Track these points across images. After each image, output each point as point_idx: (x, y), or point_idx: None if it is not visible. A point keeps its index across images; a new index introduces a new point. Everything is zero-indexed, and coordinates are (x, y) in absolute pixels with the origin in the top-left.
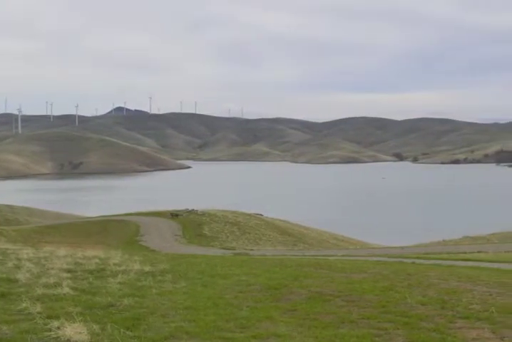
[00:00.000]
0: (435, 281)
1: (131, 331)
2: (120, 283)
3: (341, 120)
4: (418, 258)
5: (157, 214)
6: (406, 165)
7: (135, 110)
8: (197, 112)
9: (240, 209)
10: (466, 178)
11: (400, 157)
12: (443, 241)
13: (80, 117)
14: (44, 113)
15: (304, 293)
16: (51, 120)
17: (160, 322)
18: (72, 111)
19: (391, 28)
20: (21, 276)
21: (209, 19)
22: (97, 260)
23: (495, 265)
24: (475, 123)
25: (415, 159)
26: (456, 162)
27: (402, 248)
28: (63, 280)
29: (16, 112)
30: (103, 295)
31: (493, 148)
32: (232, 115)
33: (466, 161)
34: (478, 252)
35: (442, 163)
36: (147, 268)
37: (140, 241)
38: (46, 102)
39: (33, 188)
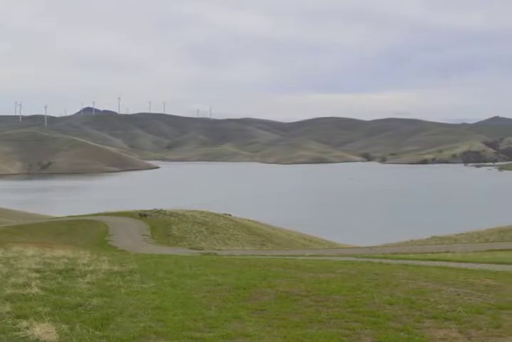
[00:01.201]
0: (403, 281)
1: (100, 331)
2: (88, 283)
3: (309, 120)
4: (385, 258)
5: (125, 214)
6: (374, 165)
7: (104, 111)
8: (166, 113)
9: (209, 209)
10: (434, 178)
11: (368, 158)
12: (411, 241)
13: (49, 117)
14: (13, 114)
15: (272, 293)
16: (20, 120)
17: (128, 322)
18: (41, 111)
19: (359, 28)
20: None
21: (178, 19)
22: (66, 260)
23: (463, 265)
24: (443, 123)
25: (383, 160)
26: (424, 162)
27: (370, 248)
28: (32, 280)
29: None
30: (72, 295)
31: (461, 148)
32: (200, 116)
33: (433, 161)
34: (446, 252)
35: (410, 163)
36: (115, 268)
37: (108, 241)
38: (15, 103)
39: (1, 188)
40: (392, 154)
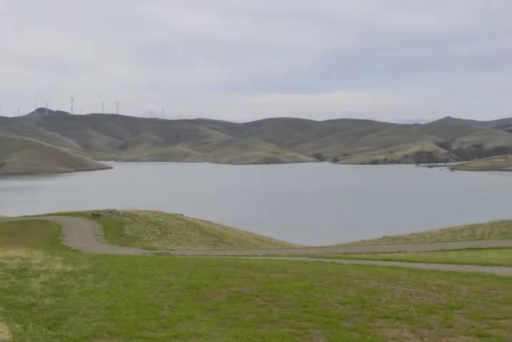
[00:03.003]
0: (355, 280)
1: (53, 331)
2: (42, 282)
3: (261, 120)
4: (338, 258)
5: (78, 214)
6: (326, 166)
7: (57, 111)
8: (119, 113)
9: (161, 210)
10: (385, 178)
11: (320, 158)
12: (363, 241)
13: (1, 117)
14: None
15: (224, 293)
16: None
17: (81, 321)
18: None
19: (312, 29)
20: None
21: (131, 20)
22: (19, 260)
23: (415, 265)
24: (396, 124)
25: (335, 160)
26: (376, 162)
27: (322, 248)
28: None
29: None
30: (25, 294)
31: (413, 149)
32: (153, 116)
33: (385, 161)
34: (398, 252)
35: (362, 164)
36: (69, 268)
37: (62, 241)
38: None
39: None
40: (344, 155)
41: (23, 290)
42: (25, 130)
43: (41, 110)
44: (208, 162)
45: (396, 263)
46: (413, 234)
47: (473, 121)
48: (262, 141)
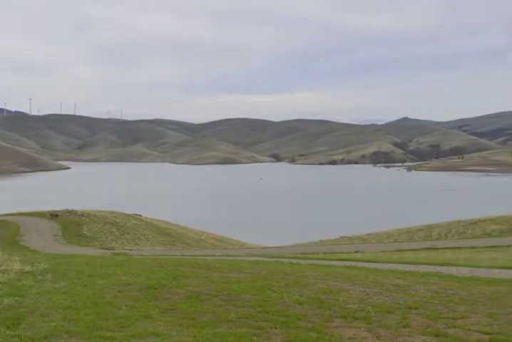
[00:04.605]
0: (312, 280)
1: (11, 330)
2: (0, 282)
3: (219, 121)
4: (295, 258)
5: (36, 214)
6: (284, 166)
7: (15, 111)
8: (77, 114)
9: (119, 210)
10: (342, 179)
11: (277, 158)
12: (320, 241)
13: None
14: None
15: (182, 293)
16: None
17: (40, 321)
18: None
19: (270, 29)
20: None
21: (88, 21)
22: None
23: (372, 265)
24: (353, 124)
25: (292, 160)
26: (333, 162)
27: (279, 248)
28: None
29: None
30: None
31: (370, 149)
32: (111, 116)
33: (342, 162)
34: (355, 252)
35: (319, 164)
36: (27, 268)
37: (20, 241)
38: None
39: None
40: (301, 155)
41: None
42: None
43: None
44: (166, 163)
45: (353, 263)
46: (371, 234)
47: (430, 121)
48: (220, 141)
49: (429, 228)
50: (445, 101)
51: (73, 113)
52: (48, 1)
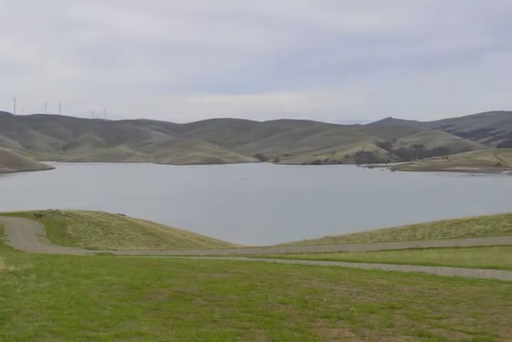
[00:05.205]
0: (296, 280)
1: None
2: None
3: (203, 121)
4: (279, 258)
5: (21, 214)
6: (268, 166)
7: (0, 112)
8: (61, 114)
9: (104, 210)
10: (326, 179)
11: (261, 158)
12: (304, 241)
13: None
14: None
15: (166, 293)
16: None
17: (24, 321)
18: None
19: (254, 30)
20: None
21: (73, 21)
22: None
23: (356, 265)
24: (337, 124)
25: (276, 160)
26: (317, 163)
27: (263, 248)
28: None
29: None
30: None
31: (354, 149)
32: (95, 117)
33: (327, 162)
34: (339, 252)
35: (303, 164)
36: (11, 268)
37: (4, 241)
38: None
39: None
40: (285, 155)
41: None
42: None
43: None
44: (150, 163)
45: (337, 263)
46: (355, 234)
47: (413, 122)
48: (204, 142)
49: (413, 228)
50: (429, 101)
51: (57, 113)
52: (32, 1)
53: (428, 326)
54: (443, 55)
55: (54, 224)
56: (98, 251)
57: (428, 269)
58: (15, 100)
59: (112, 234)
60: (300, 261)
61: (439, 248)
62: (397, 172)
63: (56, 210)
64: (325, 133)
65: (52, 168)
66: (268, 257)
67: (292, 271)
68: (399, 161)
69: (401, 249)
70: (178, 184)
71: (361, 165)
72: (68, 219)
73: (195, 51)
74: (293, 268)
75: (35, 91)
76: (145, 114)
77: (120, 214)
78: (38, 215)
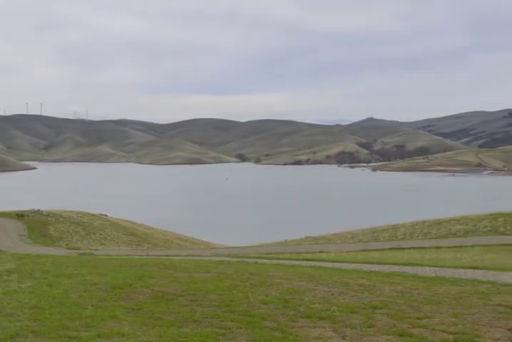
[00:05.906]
0: (277, 280)
1: None
2: None
3: (185, 121)
4: (260, 258)
5: (3, 214)
6: (249, 166)
7: None
8: (43, 114)
9: (85, 210)
10: (307, 179)
11: (243, 158)
12: (286, 241)
13: None
14: None
15: (148, 293)
16: None
17: (5, 321)
18: None
19: (235, 30)
20: None
21: (54, 21)
22: None
23: (337, 265)
24: (318, 124)
25: (258, 161)
26: (299, 163)
27: (244, 248)
28: None
29: None
30: None
31: (335, 149)
32: (77, 117)
33: (308, 162)
34: (320, 252)
35: (285, 164)
36: None
37: None
38: None
39: None
40: (267, 155)
41: None
42: None
43: None
44: (132, 163)
45: (318, 263)
46: (336, 234)
47: (394, 122)
48: (186, 142)
49: (394, 228)
50: (410, 102)
51: (39, 113)
52: (12, 0)
53: (410, 326)
54: (425, 56)
55: (36, 224)
56: (80, 251)
57: (409, 269)
58: None
59: (93, 234)
60: (281, 261)
61: (420, 248)
62: (378, 172)
63: (38, 210)
64: (306, 133)
65: (34, 168)
66: (249, 257)
67: (273, 271)
68: (380, 161)
69: (382, 249)
70: (159, 184)
71: (343, 165)
72: (50, 219)
73: (177, 51)
74: (274, 268)
75: (16, 91)
76: (126, 114)
77: (102, 214)
78: (20, 215)
